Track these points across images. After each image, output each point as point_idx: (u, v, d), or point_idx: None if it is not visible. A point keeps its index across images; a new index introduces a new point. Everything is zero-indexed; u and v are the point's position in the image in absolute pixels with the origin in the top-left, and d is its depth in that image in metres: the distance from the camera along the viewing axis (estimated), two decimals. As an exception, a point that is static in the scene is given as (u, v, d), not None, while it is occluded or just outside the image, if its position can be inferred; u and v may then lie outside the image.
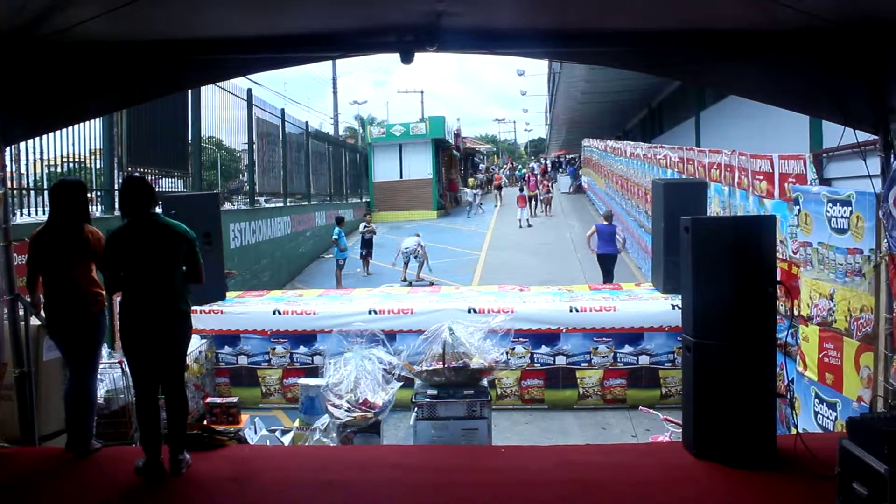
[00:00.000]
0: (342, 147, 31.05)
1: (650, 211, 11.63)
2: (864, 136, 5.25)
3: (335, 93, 43.90)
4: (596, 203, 31.14)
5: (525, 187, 31.93)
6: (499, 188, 39.17)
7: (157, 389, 4.85)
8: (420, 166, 34.07)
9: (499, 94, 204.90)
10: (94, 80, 5.41)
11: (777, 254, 5.69)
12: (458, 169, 45.07)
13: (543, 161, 62.53)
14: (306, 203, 22.17)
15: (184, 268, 4.87)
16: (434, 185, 34.19)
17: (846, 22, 4.82)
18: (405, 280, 16.88)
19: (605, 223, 14.64)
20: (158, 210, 5.08)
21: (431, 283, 15.73)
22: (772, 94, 5.65)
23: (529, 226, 27.80)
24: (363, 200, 32.47)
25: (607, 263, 14.50)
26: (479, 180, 40.56)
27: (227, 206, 16.16)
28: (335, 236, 17.17)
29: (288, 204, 19.93)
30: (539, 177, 35.73)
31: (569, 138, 53.69)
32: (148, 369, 4.81)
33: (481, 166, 60.61)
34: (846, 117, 5.09)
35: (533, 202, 30.95)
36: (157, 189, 10.63)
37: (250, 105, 16.61)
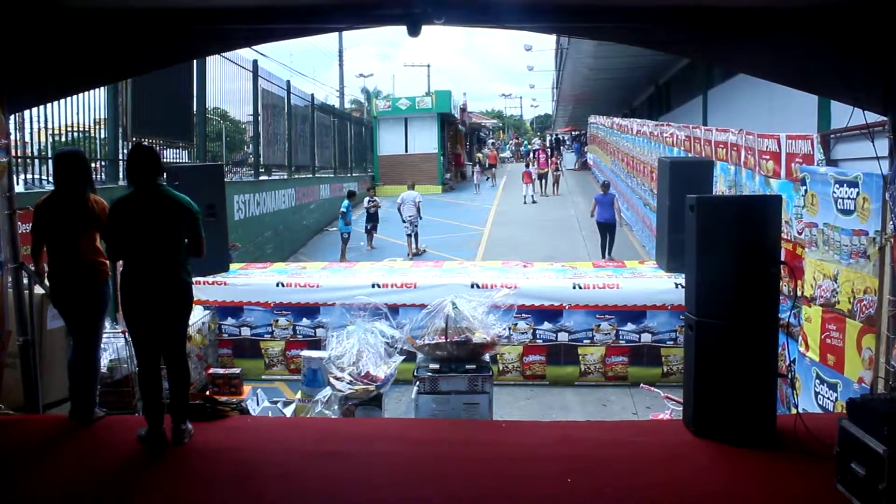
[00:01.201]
0: (347, 120, 30.96)
1: (656, 189, 11.59)
2: (873, 118, 5.20)
3: (341, 65, 43.74)
4: (601, 180, 31.00)
5: (534, 164, 31.75)
6: (492, 167, 37.85)
7: (159, 359, 4.87)
8: (425, 140, 33.95)
9: (506, 69, 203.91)
10: (98, 49, 5.37)
11: (782, 234, 5.66)
12: (464, 144, 44.78)
13: (550, 137, 62.01)
14: (311, 175, 22.14)
15: (186, 240, 4.86)
16: (439, 160, 34.10)
17: (857, 0, 4.75)
18: (411, 255, 16.93)
19: (603, 193, 16.21)
20: (164, 181, 5.04)
21: (423, 251, 16.96)
22: (780, 72, 5.58)
23: (534, 202, 27.76)
24: (368, 174, 32.41)
25: (608, 230, 15.80)
26: (480, 158, 39.76)
27: (231, 177, 16.16)
28: (343, 209, 17.17)
29: (293, 176, 19.89)
30: (547, 154, 34.89)
31: (575, 115, 53.41)
32: (149, 339, 4.82)
33: (489, 141, 60.24)
34: (855, 98, 5.04)
35: (543, 180, 30.49)
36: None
37: (256, 76, 16.53)
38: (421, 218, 17.89)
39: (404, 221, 17.62)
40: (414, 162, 33.59)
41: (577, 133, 56.92)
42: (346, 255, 16.92)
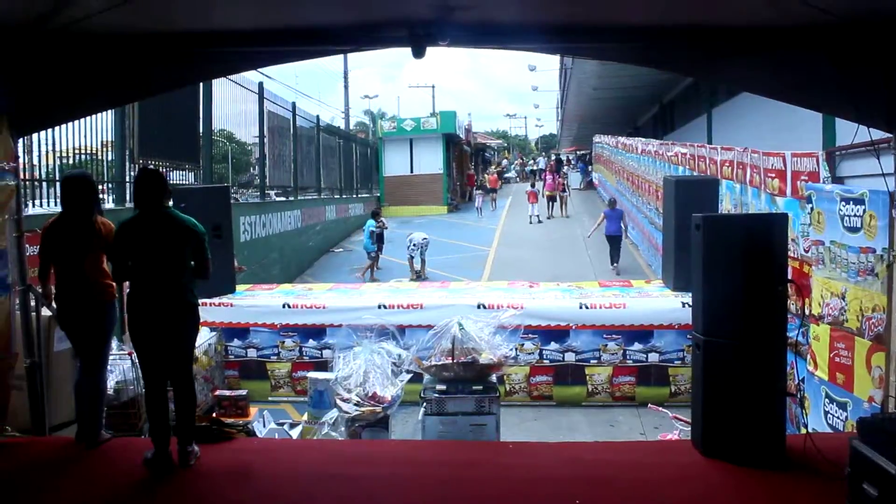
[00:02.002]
0: (353, 141, 31.05)
1: (661, 208, 11.57)
2: (878, 135, 5.21)
3: (346, 87, 43.95)
4: (607, 199, 30.96)
5: (540, 184, 31.62)
6: (492, 191, 35.83)
7: (165, 381, 4.86)
8: (431, 161, 33.95)
9: (510, 89, 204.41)
10: (105, 73, 5.43)
11: (789, 252, 5.65)
12: (469, 164, 44.83)
13: (554, 156, 61.95)
14: (317, 197, 22.21)
15: (192, 262, 4.87)
16: (444, 180, 34.07)
17: (858, 17, 4.77)
18: (415, 277, 16.92)
19: (611, 209, 17.68)
20: (170, 204, 5.07)
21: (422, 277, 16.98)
22: (784, 90, 5.59)
23: (540, 222, 27.67)
24: (374, 195, 32.44)
25: (615, 242, 17.14)
26: (482, 180, 39.00)
27: (238, 199, 16.21)
28: (371, 228, 17.23)
29: (298, 198, 19.97)
30: (556, 175, 33.75)
31: (580, 134, 53.53)
32: (156, 361, 4.82)
33: (497, 161, 60.15)
34: (859, 115, 5.05)
35: (552, 203, 29.86)
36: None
37: (261, 98, 16.64)
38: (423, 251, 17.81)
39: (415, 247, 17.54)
40: (419, 182, 33.60)
41: (582, 152, 57.03)
42: (374, 273, 17.12)
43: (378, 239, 18.22)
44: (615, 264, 17.12)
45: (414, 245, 17.26)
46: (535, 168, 53.84)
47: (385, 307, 8.91)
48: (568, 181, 32.75)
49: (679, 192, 9.18)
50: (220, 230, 9.28)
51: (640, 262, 18.43)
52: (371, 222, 17.42)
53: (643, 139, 21.74)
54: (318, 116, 23.57)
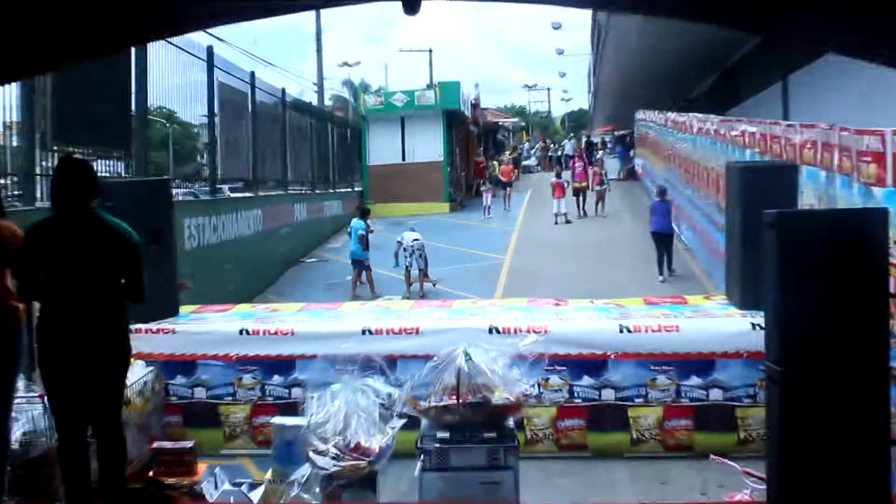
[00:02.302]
0: (328, 121, 31.20)
1: (723, 203, 11.54)
2: None
3: (319, 51, 43.99)
4: (653, 193, 30.81)
5: (568, 173, 31.45)
6: (506, 185, 34.86)
7: (86, 431, 4.83)
8: (428, 146, 33.96)
9: (528, 53, 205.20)
10: (5, 36, 5.40)
11: (890, 258, 5.57)
12: (477, 149, 44.75)
13: (585, 138, 61.91)
14: (282, 192, 22.24)
15: (122, 279, 4.86)
16: (445, 171, 34.13)
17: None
18: (411, 294, 16.92)
19: (659, 199, 17.90)
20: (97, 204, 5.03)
21: (434, 283, 17.38)
22: (877, 50, 5.56)
23: (567, 222, 27.70)
24: (355, 189, 32.53)
25: (664, 242, 17.23)
26: (491, 170, 38.75)
27: (181, 195, 16.21)
28: (361, 231, 17.29)
29: (259, 193, 19.99)
30: (586, 162, 32.82)
31: (618, 110, 53.46)
32: (75, 405, 4.80)
33: (522, 146, 59.86)
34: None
35: (581, 196, 29.57)
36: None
37: (211, 67, 16.68)
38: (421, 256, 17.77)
39: (407, 252, 17.53)
40: (413, 173, 33.52)
41: (621, 133, 57.07)
42: (373, 287, 17.36)
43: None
44: (665, 272, 17.10)
45: (405, 249, 17.27)
46: (560, 154, 53.75)
47: (371, 333, 8.87)
48: (605, 170, 32.08)
49: (746, 183, 9.11)
50: (158, 236, 9.23)
51: (697, 271, 18.43)
52: (359, 223, 17.45)
53: (699, 115, 21.70)
54: (283, 90, 23.67)
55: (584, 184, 29.99)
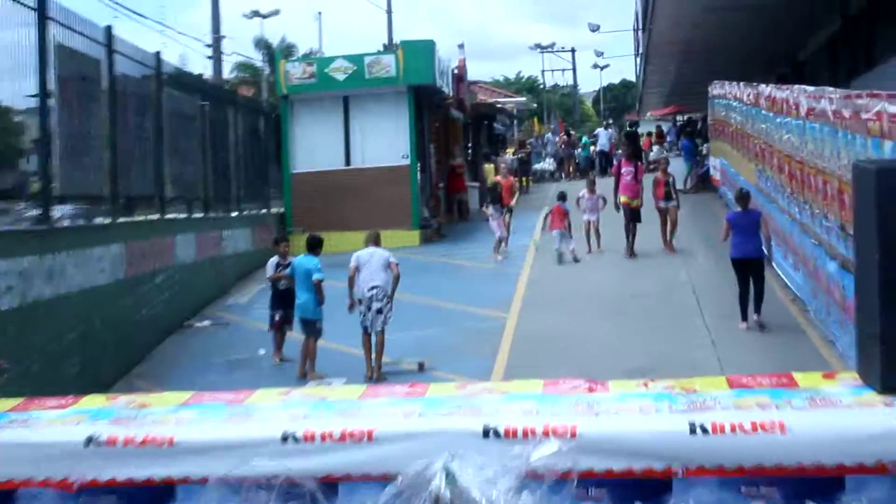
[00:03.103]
0: (230, 104, 24.32)
1: (849, 226, 9.88)
2: None
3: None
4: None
5: (607, 183, 22.63)
6: (505, 209, 24.29)
7: None
8: (386, 142, 25.34)
9: None
10: None
11: None
12: (460, 145, 33.80)
13: (629, 126, 48.03)
14: (157, 217, 17.84)
15: None
16: (413, 181, 25.11)
17: None
18: (371, 374, 13.08)
19: (743, 210, 14.02)
20: None
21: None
22: None
23: (576, 260, 21.69)
24: (272, 212, 25.74)
25: (752, 272, 13.62)
26: (482, 185, 29.94)
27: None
28: (317, 274, 13.12)
29: (120, 220, 16.03)
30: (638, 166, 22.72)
31: (681, 82, 39.19)
32: None
33: (531, 141, 45.37)
34: None
35: (633, 223, 21.46)
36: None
37: (43, 19, 13.25)
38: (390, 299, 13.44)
39: (362, 302, 13.25)
40: (364, 185, 24.87)
41: (686, 118, 45.22)
42: (314, 366, 13.24)
43: (281, 299, 13.96)
44: (752, 317, 13.54)
45: (359, 301, 13.14)
46: (592, 150, 41.19)
47: (297, 440, 7.08)
48: (672, 177, 23.03)
49: (887, 194, 7.13)
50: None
51: (810, 332, 14.67)
52: (310, 260, 13.13)
53: (809, 88, 16.67)
54: (158, 55, 18.80)
55: (636, 201, 21.97)
